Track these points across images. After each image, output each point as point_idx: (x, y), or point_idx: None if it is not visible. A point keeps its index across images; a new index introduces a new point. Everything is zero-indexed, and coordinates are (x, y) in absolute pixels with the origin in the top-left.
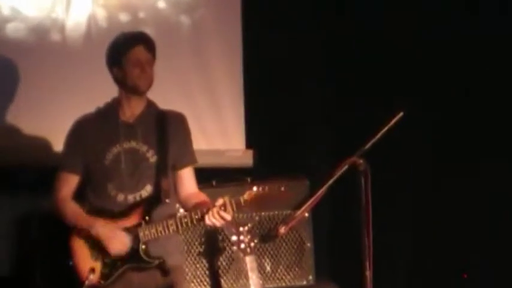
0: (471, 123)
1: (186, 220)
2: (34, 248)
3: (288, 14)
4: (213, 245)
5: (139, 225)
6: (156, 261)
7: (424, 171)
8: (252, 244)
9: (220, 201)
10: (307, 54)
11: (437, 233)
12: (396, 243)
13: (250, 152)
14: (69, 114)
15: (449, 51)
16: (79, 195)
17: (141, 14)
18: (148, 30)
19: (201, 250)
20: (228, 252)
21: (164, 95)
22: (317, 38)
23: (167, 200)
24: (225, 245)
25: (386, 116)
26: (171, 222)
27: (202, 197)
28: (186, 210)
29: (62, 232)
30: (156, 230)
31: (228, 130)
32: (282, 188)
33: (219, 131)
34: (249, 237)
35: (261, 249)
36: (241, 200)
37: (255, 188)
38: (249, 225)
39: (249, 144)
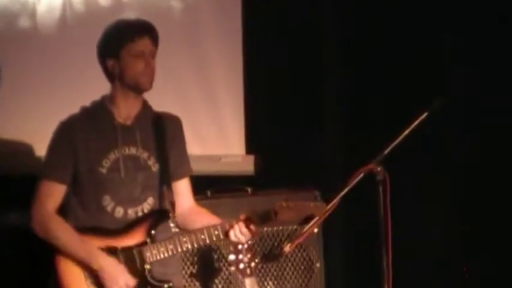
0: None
1: (203, 237)
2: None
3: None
4: (207, 265)
5: (143, 243)
6: (165, 286)
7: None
8: (253, 264)
9: (243, 215)
10: (315, 53)
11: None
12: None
13: (251, 158)
14: (41, 111)
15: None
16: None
17: None
18: (133, 16)
19: (194, 271)
20: (224, 274)
21: (153, 92)
22: (324, 38)
23: (172, 215)
24: (221, 265)
25: (407, 116)
26: (184, 239)
27: (205, 212)
28: (182, 228)
29: (41, 248)
30: (167, 249)
31: (226, 133)
32: (313, 204)
33: (216, 134)
34: (249, 256)
35: (263, 270)
36: (272, 212)
37: (284, 204)
38: (249, 242)
39: (250, 149)
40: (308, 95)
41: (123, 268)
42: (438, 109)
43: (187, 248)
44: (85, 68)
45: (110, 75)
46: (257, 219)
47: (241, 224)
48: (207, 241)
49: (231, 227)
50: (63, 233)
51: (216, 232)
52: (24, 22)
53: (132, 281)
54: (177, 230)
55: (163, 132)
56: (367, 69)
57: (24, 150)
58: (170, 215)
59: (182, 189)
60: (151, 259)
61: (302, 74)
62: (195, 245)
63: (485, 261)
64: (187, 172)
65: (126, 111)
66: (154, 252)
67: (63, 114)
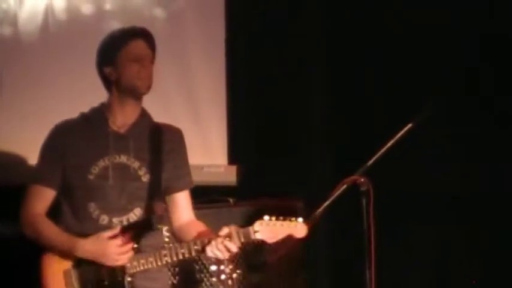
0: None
1: (183, 251)
2: None
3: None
4: (189, 276)
5: None
6: None
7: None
8: (235, 275)
9: (225, 231)
10: (299, 60)
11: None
12: (409, 277)
13: (233, 168)
14: (25, 118)
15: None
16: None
17: (108, 6)
18: (116, 25)
19: (175, 282)
20: (206, 285)
21: None
22: (309, 46)
23: (160, 227)
24: (203, 276)
25: (395, 126)
26: (164, 252)
27: (202, 226)
28: (180, 241)
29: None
30: (147, 261)
31: (209, 143)
32: (300, 219)
33: (199, 144)
34: (231, 267)
35: (245, 282)
36: (251, 231)
37: (266, 218)
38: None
39: (233, 159)
40: (292, 104)
41: (105, 239)
42: (424, 120)
43: (167, 261)
44: (68, 74)
45: (108, 82)
46: (237, 236)
47: (219, 240)
48: (186, 255)
49: (209, 242)
50: (50, 231)
51: (196, 247)
52: (5, 29)
53: (120, 244)
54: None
55: (160, 143)
56: (355, 77)
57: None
58: (157, 227)
59: (180, 202)
60: (131, 270)
61: (286, 83)
62: (175, 259)
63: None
64: (186, 185)
65: (122, 118)
66: (135, 263)
67: (46, 121)
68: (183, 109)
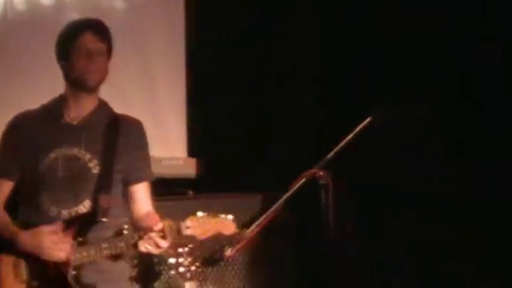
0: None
1: (121, 245)
2: None
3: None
4: (147, 269)
5: (70, 246)
6: None
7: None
8: (193, 268)
9: (159, 226)
10: (265, 51)
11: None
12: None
13: (192, 161)
14: None
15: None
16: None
17: None
18: (76, 17)
19: (134, 274)
20: (164, 277)
21: None
22: (271, 34)
23: (104, 220)
24: (162, 268)
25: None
26: (105, 245)
27: (154, 220)
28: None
29: None
30: (89, 254)
31: (168, 136)
32: (229, 217)
33: (158, 137)
34: (189, 260)
35: (203, 274)
36: (183, 226)
37: (199, 214)
38: (190, 246)
39: (192, 152)
40: (252, 97)
41: (42, 233)
42: (384, 115)
43: (108, 254)
44: (26, 66)
45: (64, 75)
46: (170, 232)
47: (151, 236)
48: (125, 249)
49: (141, 237)
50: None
51: (132, 241)
52: None
53: (56, 239)
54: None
55: (117, 135)
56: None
57: None
58: (103, 220)
59: (138, 194)
60: (75, 263)
61: (246, 75)
62: (114, 252)
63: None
64: (144, 177)
65: (76, 110)
66: (78, 256)
67: (4, 112)
68: (142, 101)
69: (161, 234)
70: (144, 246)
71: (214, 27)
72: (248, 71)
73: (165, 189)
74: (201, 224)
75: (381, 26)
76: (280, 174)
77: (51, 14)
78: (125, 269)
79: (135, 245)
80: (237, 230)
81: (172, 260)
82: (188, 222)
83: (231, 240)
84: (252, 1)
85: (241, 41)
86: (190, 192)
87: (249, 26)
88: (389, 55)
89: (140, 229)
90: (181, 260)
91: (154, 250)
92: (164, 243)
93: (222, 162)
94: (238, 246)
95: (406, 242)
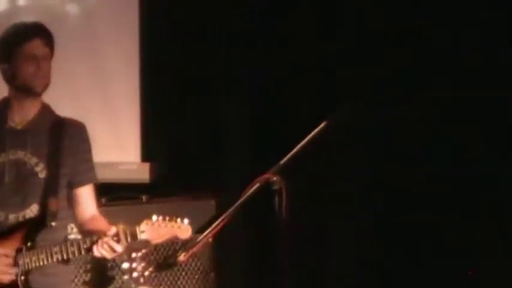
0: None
1: (72, 249)
2: None
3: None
4: (100, 274)
5: (19, 250)
6: None
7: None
8: (147, 273)
9: (113, 231)
10: (217, 56)
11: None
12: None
13: (146, 166)
14: None
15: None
16: None
17: (21, 1)
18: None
19: (87, 279)
20: (118, 282)
21: (48, 98)
22: (224, 40)
23: (53, 224)
24: (115, 273)
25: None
26: (55, 249)
27: (100, 222)
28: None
29: None
30: (38, 258)
31: (122, 140)
32: (185, 221)
33: (112, 141)
34: (142, 264)
35: (157, 279)
36: (137, 231)
37: (154, 217)
38: (143, 250)
39: (147, 157)
40: (207, 102)
41: None
42: (339, 120)
43: (58, 258)
44: None
45: (5, 79)
46: (124, 236)
47: (105, 240)
48: (76, 254)
49: (96, 241)
50: None
51: (85, 245)
52: None
53: (6, 264)
54: (72, 236)
55: (60, 138)
56: (272, 70)
57: None
58: (51, 224)
59: (82, 197)
60: (24, 267)
61: (200, 79)
62: (65, 256)
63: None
64: (88, 180)
65: (20, 114)
66: (27, 260)
67: None
68: (96, 106)
69: (115, 238)
70: (98, 251)
71: (169, 34)
72: (202, 74)
73: (118, 195)
74: (156, 228)
75: (323, 37)
76: (234, 179)
77: (5, 18)
78: (70, 272)
79: (88, 250)
80: (192, 235)
81: (125, 265)
82: (143, 226)
83: (185, 244)
84: (205, 3)
85: (194, 44)
86: (144, 197)
87: (202, 29)
88: (340, 60)
89: (85, 232)
90: (134, 265)
91: (108, 255)
92: (119, 248)
93: (176, 167)
94: (191, 251)
95: (352, 248)
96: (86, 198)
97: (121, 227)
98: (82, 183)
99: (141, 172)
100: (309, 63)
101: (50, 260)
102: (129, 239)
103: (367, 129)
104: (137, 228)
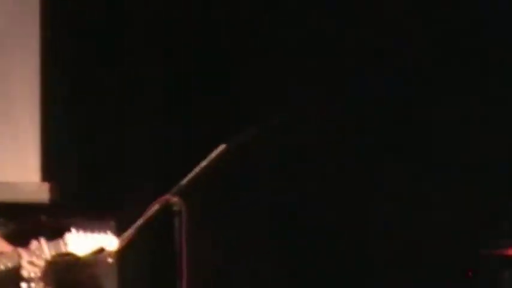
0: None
1: None
2: None
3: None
4: None
5: None
6: None
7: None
8: None
9: (34, 245)
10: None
11: None
12: None
13: (46, 186)
14: None
15: None
16: None
17: None
18: None
19: None
20: None
21: None
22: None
23: None
24: None
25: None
26: None
27: (4, 244)
28: None
29: None
30: None
31: (22, 160)
32: (109, 234)
33: (12, 161)
34: (41, 284)
35: None
36: (61, 243)
37: (74, 231)
38: (41, 269)
39: (47, 177)
40: (109, 120)
41: None
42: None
43: None
44: None
45: None
46: (47, 249)
47: (28, 254)
48: None
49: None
50: None
51: (10, 264)
52: None
53: None
54: None
55: None
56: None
57: None
58: None
59: None
60: None
61: (102, 97)
62: None
63: None
64: None
65: None
66: None
67: None
68: None
69: (37, 253)
70: (26, 270)
71: (71, 41)
72: (106, 91)
73: (18, 215)
74: (81, 241)
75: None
76: (135, 199)
77: None
78: None
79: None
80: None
81: (24, 285)
82: (66, 238)
83: (85, 264)
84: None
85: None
86: (43, 217)
87: (108, 43)
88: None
89: None
90: (33, 285)
91: (30, 269)
92: (41, 261)
93: (77, 187)
94: (89, 270)
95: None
96: None
97: (42, 240)
98: None
99: (41, 192)
100: (210, 85)
101: None
102: (53, 251)
103: (266, 151)
104: (61, 241)
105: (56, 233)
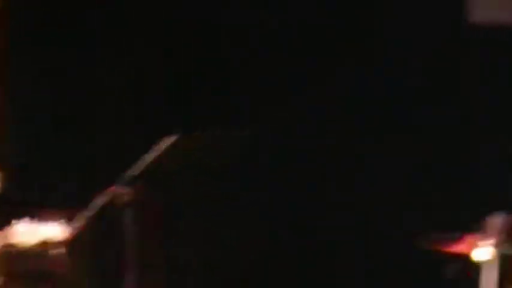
0: None
1: None
2: None
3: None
4: None
5: None
6: None
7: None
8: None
9: None
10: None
11: None
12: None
13: None
14: None
15: None
16: None
17: None
18: None
19: None
20: None
21: None
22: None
23: None
24: None
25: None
26: None
27: None
28: None
29: None
30: None
31: None
32: (62, 222)
33: None
34: None
35: None
36: (13, 231)
37: (27, 220)
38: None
39: None
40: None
41: None
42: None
43: None
44: None
45: None
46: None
47: None
48: None
49: None
50: None
51: None
52: None
53: None
54: None
55: None
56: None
57: None
58: None
59: None
60: None
61: (54, 85)
62: None
63: None
64: None
65: None
66: None
67: None
68: None
69: None
70: None
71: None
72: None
73: None
74: (33, 230)
75: None
76: (86, 189)
77: None
78: None
79: None
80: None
81: None
82: (18, 227)
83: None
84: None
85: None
86: None
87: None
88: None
89: None
90: None
91: None
92: None
93: (27, 175)
94: (45, 262)
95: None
96: None
97: None
98: None
99: None
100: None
101: None
102: (5, 240)
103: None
104: (13, 229)
105: (4, 223)
